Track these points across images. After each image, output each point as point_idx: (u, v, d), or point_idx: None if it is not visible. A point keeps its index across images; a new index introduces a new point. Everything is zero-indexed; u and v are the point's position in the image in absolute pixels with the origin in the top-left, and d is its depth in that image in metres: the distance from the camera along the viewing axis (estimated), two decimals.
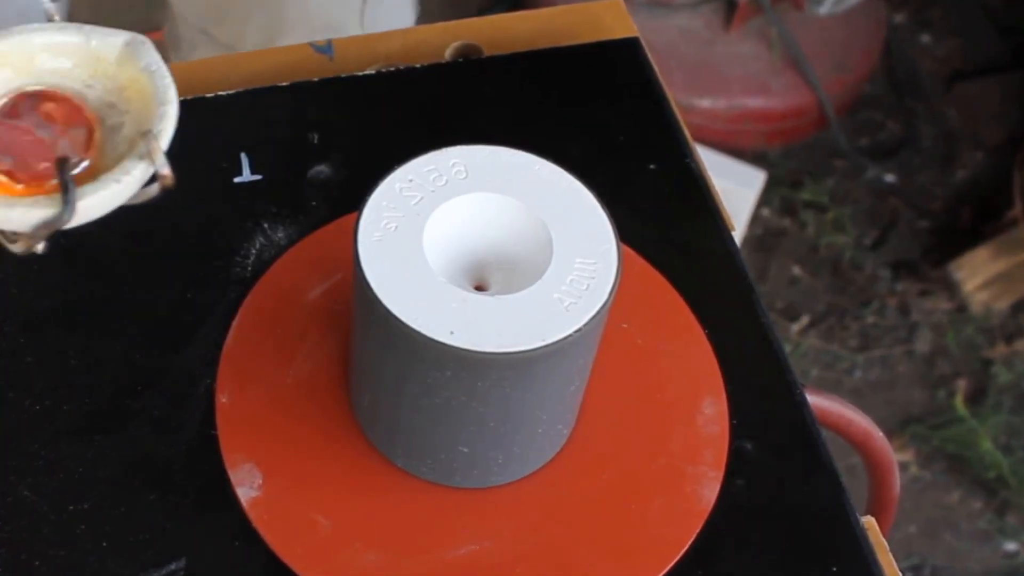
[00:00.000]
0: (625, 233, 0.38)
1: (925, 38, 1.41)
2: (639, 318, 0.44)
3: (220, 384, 0.42)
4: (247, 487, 0.40)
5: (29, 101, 0.32)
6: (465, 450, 0.39)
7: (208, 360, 0.42)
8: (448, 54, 0.51)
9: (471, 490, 0.41)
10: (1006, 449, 1.16)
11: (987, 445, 1.14)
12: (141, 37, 0.33)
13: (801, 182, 1.31)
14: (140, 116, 0.33)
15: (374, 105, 0.49)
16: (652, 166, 0.49)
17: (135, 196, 0.32)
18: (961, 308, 1.24)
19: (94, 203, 0.31)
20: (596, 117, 0.50)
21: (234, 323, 0.43)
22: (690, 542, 0.40)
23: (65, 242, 0.45)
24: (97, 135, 0.33)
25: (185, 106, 0.48)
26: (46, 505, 0.39)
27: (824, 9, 1.28)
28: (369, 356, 0.39)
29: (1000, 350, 1.22)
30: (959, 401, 1.18)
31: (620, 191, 0.47)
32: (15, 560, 0.38)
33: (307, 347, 0.43)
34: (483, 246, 0.38)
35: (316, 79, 0.49)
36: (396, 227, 0.36)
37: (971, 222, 1.29)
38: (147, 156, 0.31)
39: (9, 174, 0.32)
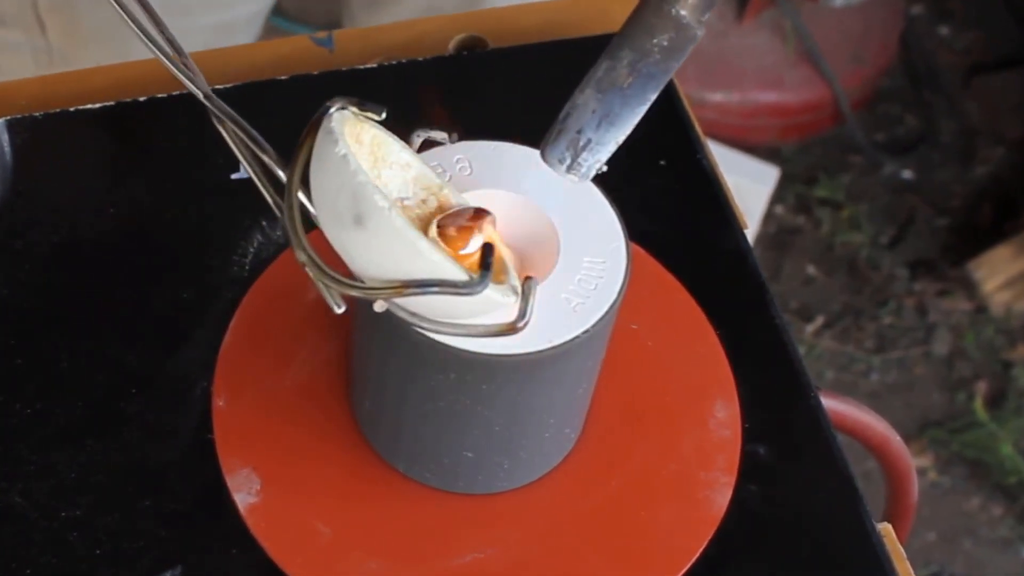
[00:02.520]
0: (634, 231, 0.38)
1: (944, 30, 1.40)
2: (649, 319, 0.44)
3: (217, 387, 0.41)
4: (245, 493, 0.39)
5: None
6: (470, 455, 0.39)
7: (204, 362, 0.42)
8: (452, 47, 0.51)
9: (475, 496, 0.40)
10: None
11: (1008, 450, 1.13)
12: (488, 214, 0.35)
13: (816, 178, 1.30)
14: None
15: (375, 100, 0.49)
16: (662, 162, 0.49)
17: (480, 328, 0.33)
18: (981, 308, 1.23)
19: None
20: None
21: (231, 324, 0.42)
22: (701, 549, 0.40)
23: (57, 239, 0.44)
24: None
25: (181, 101, 0.48)
26: (37, 512, 0.39)
27: (840, 0, 1.27)
28: (370, 358, 0.38)
29: (1021, 352, 1.21)
30: (979, 404, 1.17)
31: (629, 188, 0.46)
32: (6, 568, 0.38)
33: (306, 349, 0.42)
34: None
35: (316, 72, 0.49)
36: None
37: (991, 220, 1.28)
38: (521, 296, 0.33)
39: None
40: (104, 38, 0.65)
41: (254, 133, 0.35)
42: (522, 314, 0.32)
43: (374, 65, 0.50)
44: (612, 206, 0.38)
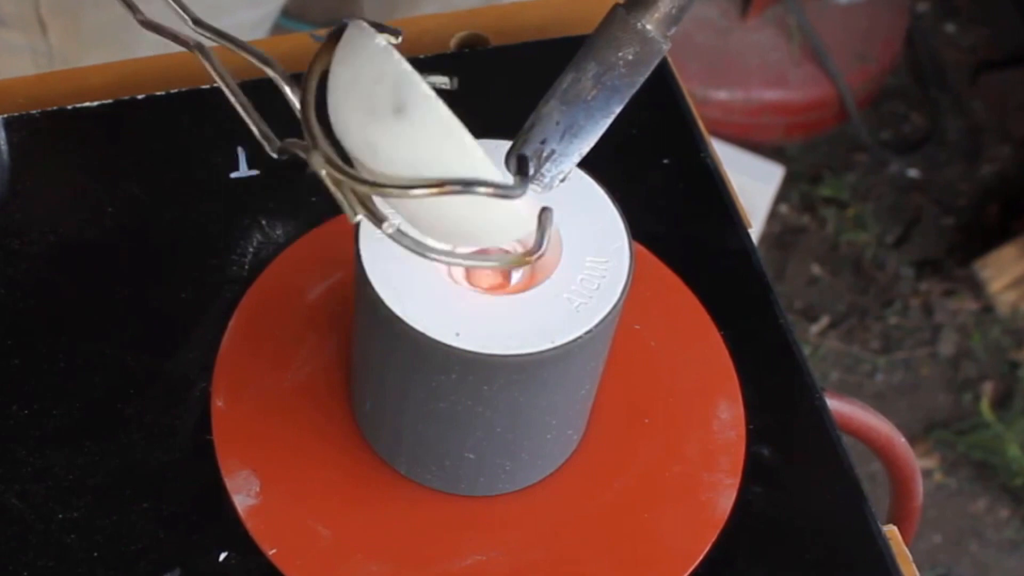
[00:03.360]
0: (638, 230, 0.37)
1: (950, 27, 1.40)
2: (652, 319, 0.43)
3: (216, 388, 0.41)
4: (244, 495, 0.39)
5: None
6: (471, 457, 0.39)
7: (203, 363, 0.41)
8: (453, 44, 0.51)
9: (477, 498, 0.40)
10: None
11: (1014, 451, 1.13)
12: None
13: (821, 177, 1.30)
14: None
15: None
16: (666, 161, 0.48)
17: (494, 258, 0.33)
18: (987, 308, 1.22)
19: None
20: None
21: (230, 324, 0.42)
22: (705, 552, 0.40)
23: (55, 239, 0.44)
24: None
25: (179, 98, 0.47)
26: (34, 514, 0.39)
27: None
28: (371, 359, 0.38)
29: None
30: (985, 405, 1.16)
31: (633, 187, 0.46)
32: (3, 571, 0.38)
33: (306, 349, 0.42)
34: None
35: None
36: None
37: (998, 219, 1.27)
38: (537, 227, 0.32)
39: None
40: (105, 41, 0.64)
41: (250, 47, 0.33)
42: (538, 244, 0.31)
43: None
44: (615, 205, 0.37)
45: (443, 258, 0.32)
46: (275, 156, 0.32)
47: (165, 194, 0.46)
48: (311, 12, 1.10)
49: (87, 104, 0.46)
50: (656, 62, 0.34)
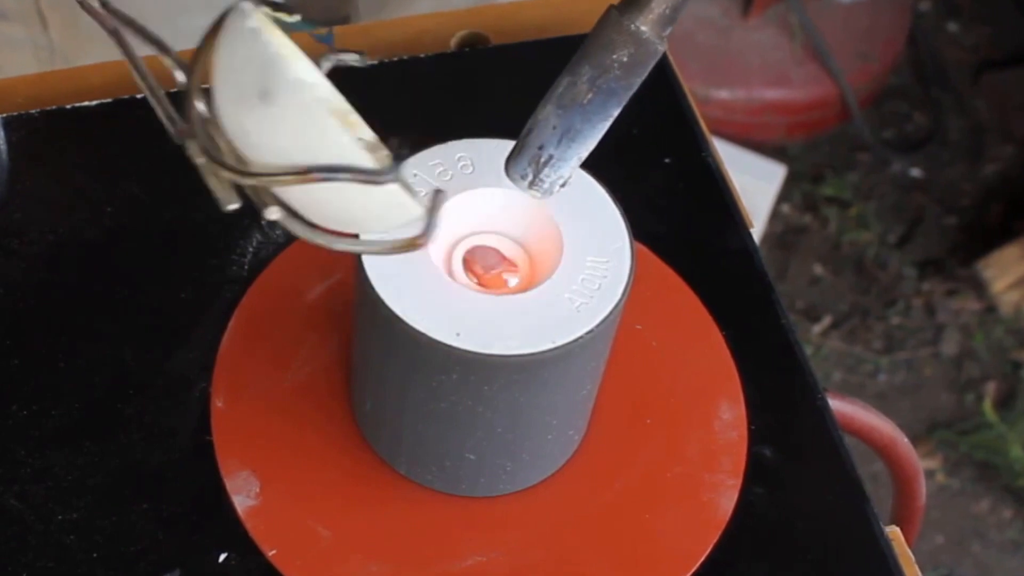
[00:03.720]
0: (639, 230, 0.37)
1: (952, 26, 1.40)
2: (653, 319, 0.43)
3: (215, 388, 0.41)
4: (244, 495, 0.39)
5: None
6: (472, 457, 0.38)
7: (203, 363, 0.41)
8: (454, 43, 0.51)
9: (478, 499, 0.40)
10: None
11: (1017, 451, 1.13)
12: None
13: (823, 176, 1.30)
14: None
15: (376, 97, 0.48)
16: (667, 160, 0.48)
17: (381, 244, 0.31)
18: (990, 308, 1.22)
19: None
20: None
21: (230, 324, 0.42)
22: (707, 553, 0.40)
23: (54, 238, 0.44)
24: None
25: (177, 97, 0.47)
26: (34, 514, 0.39)
27: None
28: (371, 359, 0.38)
29: None
30: (988, 405, 1.16)
31: (634, 186, 0.46)
32: (2, 572, 0.38)
33: (306, 349, 0.42)
34: (490, 244, 0.37)
35: None
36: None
37: (1001, 218, 1.27)
38: (428, 210, 0.30)
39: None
40: (105, 36, 0.64)
41: (149, 32, 0.32)
42: (427, 228, 0.30)
43: (375, 62, 0.49)
44: (616, 204, 0.37)
45: (329, 241, 0.31)
46: (176, 142, 0.31)
47: (165, 194, 0.45)
48: (309, 10, 1.09)
49: (87, 104, 0.46)
50: (652, 63, 0.34)
